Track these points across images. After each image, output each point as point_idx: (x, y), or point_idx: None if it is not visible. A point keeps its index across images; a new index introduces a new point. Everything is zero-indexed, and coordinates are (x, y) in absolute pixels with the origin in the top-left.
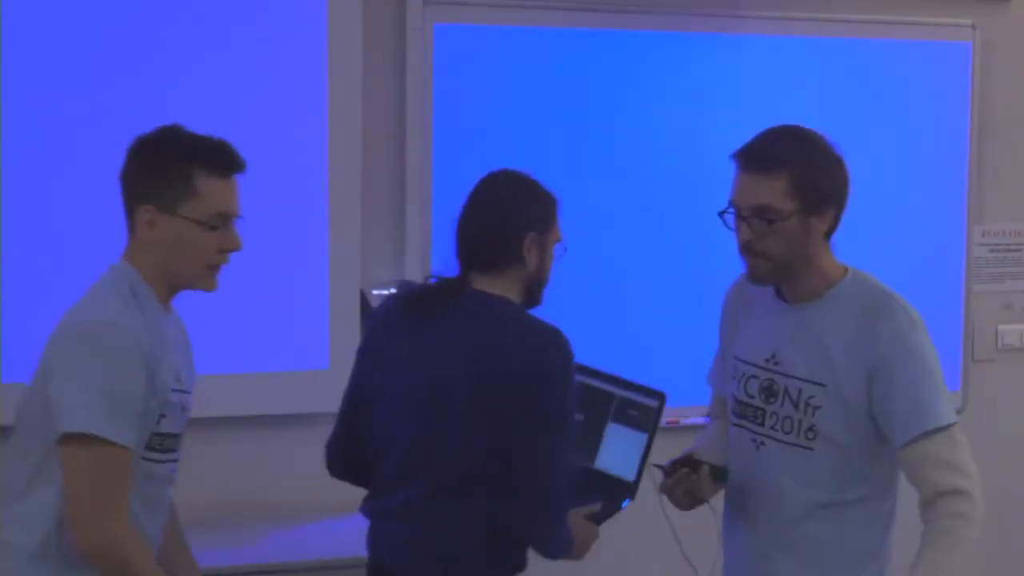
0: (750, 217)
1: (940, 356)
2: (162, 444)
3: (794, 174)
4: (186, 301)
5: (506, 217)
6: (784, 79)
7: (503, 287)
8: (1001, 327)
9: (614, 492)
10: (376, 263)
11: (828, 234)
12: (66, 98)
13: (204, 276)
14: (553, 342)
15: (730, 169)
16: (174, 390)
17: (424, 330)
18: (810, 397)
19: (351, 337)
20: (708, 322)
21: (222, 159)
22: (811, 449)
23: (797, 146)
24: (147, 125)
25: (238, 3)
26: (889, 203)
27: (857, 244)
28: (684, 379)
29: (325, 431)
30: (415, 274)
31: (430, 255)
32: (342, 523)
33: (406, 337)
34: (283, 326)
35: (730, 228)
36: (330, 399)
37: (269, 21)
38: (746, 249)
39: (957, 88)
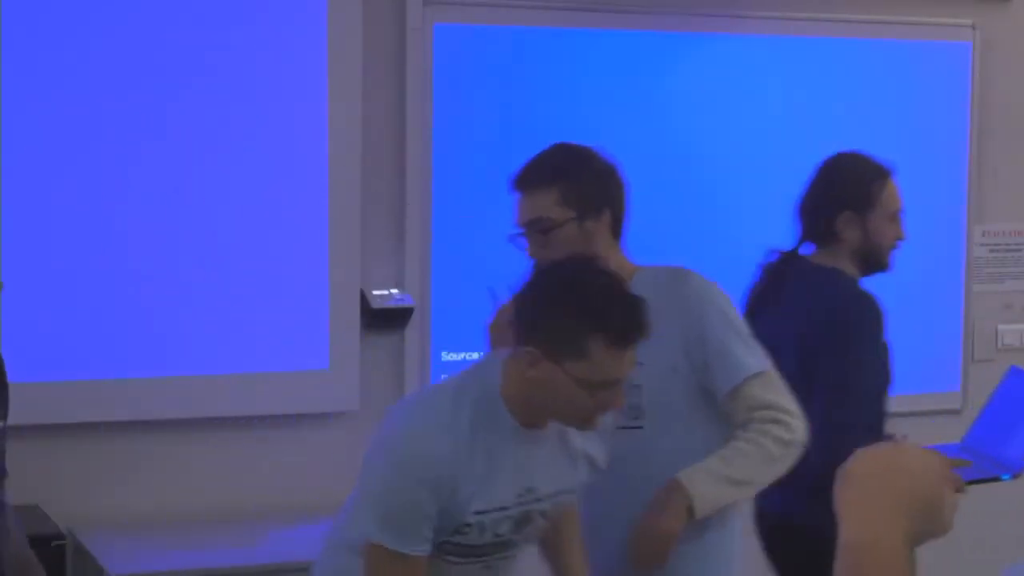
0: (530, 232)
1: (939, 356)
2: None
3: (563, 184)
4: (185, 300)
5: (818, 199)
6: (784, 79)
7: (833, 259)
8: (1001, 327)
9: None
10: (376, 263)
11: (616, 236)
12: (65, 98)
13: None
14: (855, 302)
15: (726, 169)
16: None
17: (766, 302)
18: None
19: (351, 337)
20: None
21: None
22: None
23: (564, 159)
24: (147, 126)
25: (238, 3)
26: None
27: None
28: None
29: (325, 431)
30: (415, 274)
31: (430, 255)
32: None
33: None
34: (283, 326)
35: (523, 251)
36: (330, 399)
37: (269, 21)
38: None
39: (957, 88)
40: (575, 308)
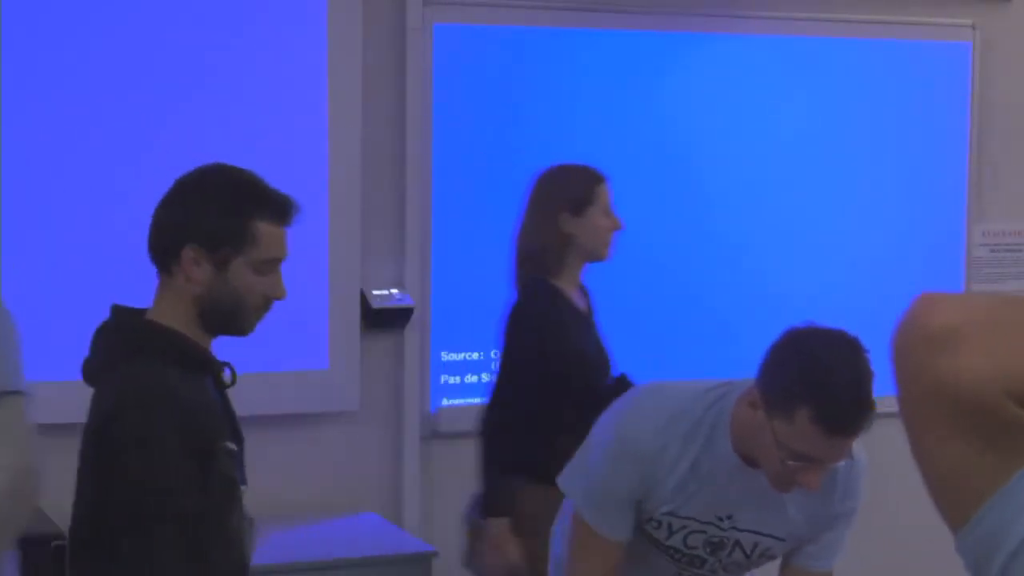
0: None
1: None
2: None
3: None
4: None
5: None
6: (783, 79)
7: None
8: None
9: None
10: (376, 264)
11: None
12: (64, 99)
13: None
14: None
15: (725, 169)
16: None
17: None
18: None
19: (351, 337)
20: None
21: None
22: None
23: None
24: (147, 126)
25: (238, 3)
26: (889, 203)
27: (858, 244)
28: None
29: (325, 431)
30: (415, 274)
31: (430, 255)
32: (343, 523)
33: None
34: (283, 327)
35: None
36: (330, 399)
37: (269, 21)
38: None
39: (957, 88)
40: (797, 373)
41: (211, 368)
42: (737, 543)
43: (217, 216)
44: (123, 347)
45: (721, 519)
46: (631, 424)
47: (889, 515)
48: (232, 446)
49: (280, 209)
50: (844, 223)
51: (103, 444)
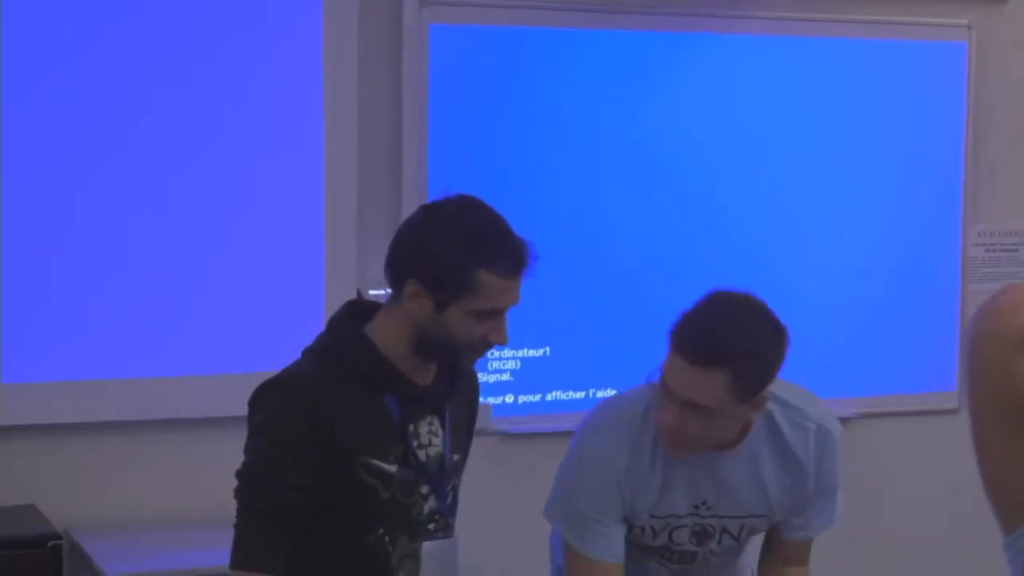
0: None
1: (936, 356)
2: None
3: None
4: (182, 300)
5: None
6: (780, 79)
7: None
8: None
9: None
10: (373, 263)
11: None
12: (63, 99)
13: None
14: None
15: (722, 170)
16: None
17: None
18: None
19: None
20: None
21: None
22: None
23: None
24: (141, 125)
25: (233, 2)
26: (885, 203)
27: (853, 245)
28: None
29: None
30: None
31: None
32: None
33: None
34: (279, 326)
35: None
36: None
37: (264, 21)
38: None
39: (953, 88)
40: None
41: (392, 388)
42: (724, 530)
43: (444, 259)
44: (313, 342)
45: (698, 507)
46: (591, 448)
47: (891, 515)
48: (383, 465)
49: (510, 262)
50: (839, 223)
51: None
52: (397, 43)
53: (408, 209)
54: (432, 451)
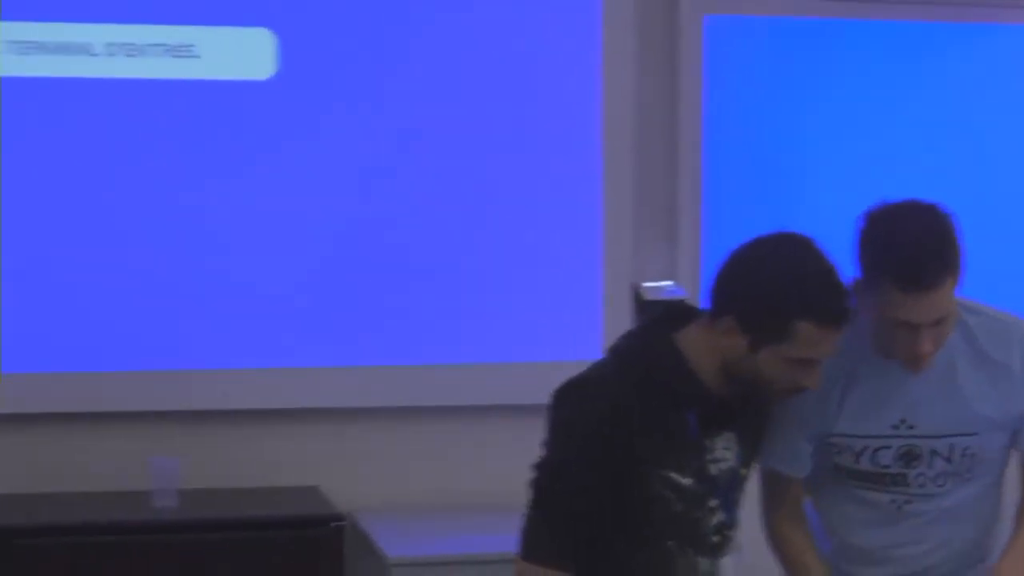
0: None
1: None
2: None
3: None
4: (470, 291)
5: None
6: None
7: None
8: None
9: None
10: (648, 257)
11: None
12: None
13: None
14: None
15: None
16: None
17: None
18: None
19: (624, 327)
20: None
21: None
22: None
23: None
24: (428, 121)
25: (513, 4)
26: None
27: None
28: None
29: None
30: (687, 267)
31: (699, 251)
32: None
33: None
34: (559, 317)
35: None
36: None
37: (543, 20)
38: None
39: None
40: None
41: (694, 403)
42: (933, 451)
43: (765, 304)
44: (621, 338)
45: (897, 426)
46: None
47: None
48: (678, 478)
49: (831, 315)
50: None
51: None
52: (673, 37)
53: (683, 202)
54: (724, 465)
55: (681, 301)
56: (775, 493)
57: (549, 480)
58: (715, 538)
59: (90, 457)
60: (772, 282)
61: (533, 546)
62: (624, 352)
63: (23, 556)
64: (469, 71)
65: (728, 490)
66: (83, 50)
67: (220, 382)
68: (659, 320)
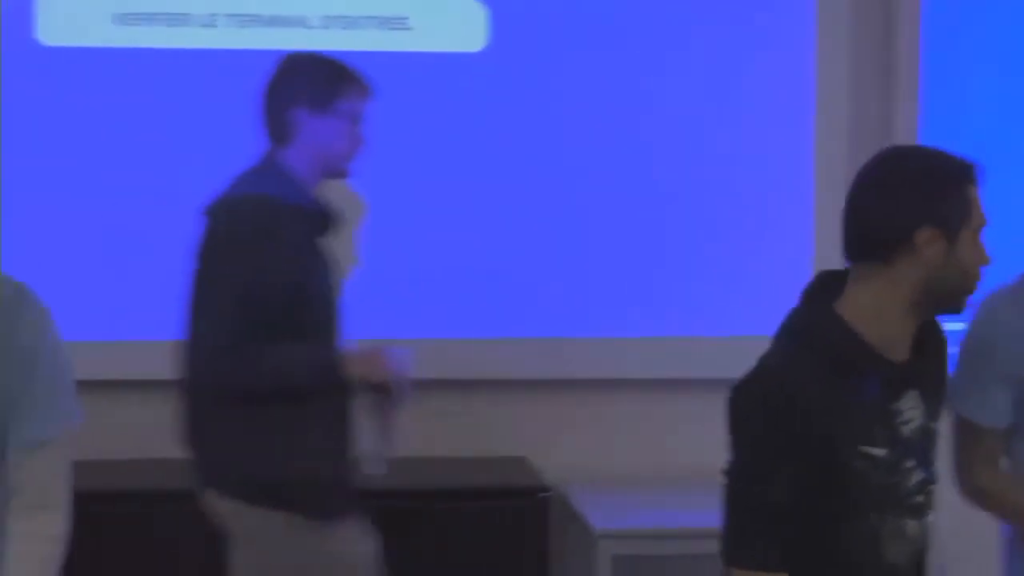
0: None
1: None
2: None
3: None
4: (666, 264)
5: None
6: None
7: None
8: None
9: None
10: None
11: None
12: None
13: None
14: None
15: None
16: None
17: None
18: None
19: None
20: None
21: None
22: None
23: None
24: (658, 96)
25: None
26: None
27: None
28: None
29: None
30: None
31: None
32: None
33: None
34: (768, 292)
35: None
36: None
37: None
38: None
39: None
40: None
41: (872, 368)
42: None
43: (945, 191)
44: (784, 324)
45: None
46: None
47: None
48: (873, 451)
49: (979, 172)
50: None
51: (726, 415)
52: (888, 10)
53: None
54: (914, 425)
55: (827, 271)
56: (969, 444)
57: (744, 484)
58: (918, 498)
59: None
60: (934, 169)
61: (739, 551)
62: (791, 332)
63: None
64: (679, 42)
65: (923, 447)
66: (300, 23)
67: (432, 351)
68: (814, 294)
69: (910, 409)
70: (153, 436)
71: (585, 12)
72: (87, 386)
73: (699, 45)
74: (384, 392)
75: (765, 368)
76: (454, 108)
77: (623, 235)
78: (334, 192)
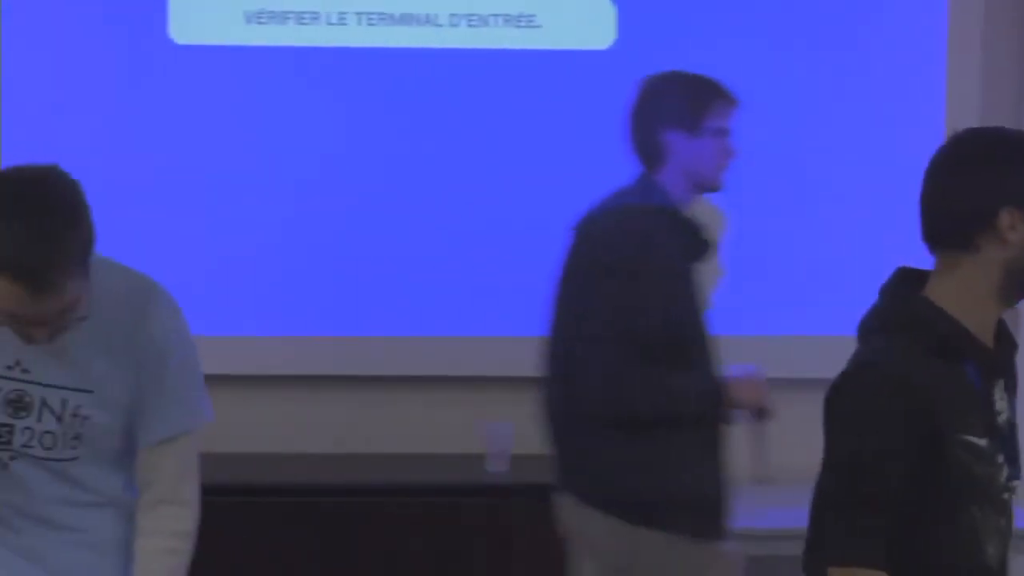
0: None
1: None
2: None
3: None
4: (789, 260)
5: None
6: None
7: None
8: None
9: None
10: None
11: None
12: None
13: None
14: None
15: None
16: None
17: None
18: None
19: None
20: None
21: None
22: None
23: None
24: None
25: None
26: None
27: None
28: None
29: None
30: None
31: None
32: None
33: None
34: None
35: None
36: None
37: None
38: None
39: None
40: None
41: (972, 355)
42: None
43: (1017, 165)
44: (875, 319)
45: None
46: None
47: None
48: (975, 440)
49: None
50: None
51: (826, 412)
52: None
53: None
54: (1003, 417)
55: (904, 267)
56: None
57: (852, 479)
58: (1005, 495)
59: (421, 419)
60: (1012, 150)
61: (842, 550)
62: (889, 325)
63: (364, 512)
64: (808, 39)
65: (1010, 441)
66: (429, 21)
67: None
68: (900, 287)
69: (1000, 400)
70: (279, 431)
71: (713, 8)
72: (216, 381)
73: (827, 42)
74: (763, 416)
75: (871, 361)
76: (582, 106)
77: (758, 235)
78: (697, 207)
